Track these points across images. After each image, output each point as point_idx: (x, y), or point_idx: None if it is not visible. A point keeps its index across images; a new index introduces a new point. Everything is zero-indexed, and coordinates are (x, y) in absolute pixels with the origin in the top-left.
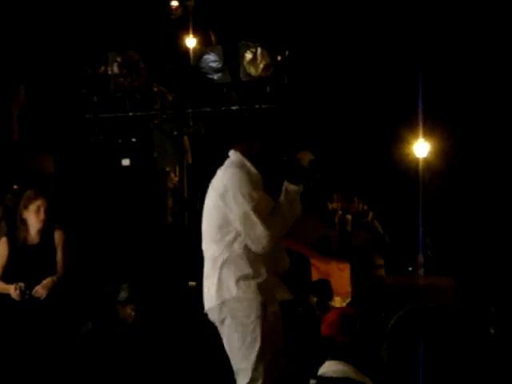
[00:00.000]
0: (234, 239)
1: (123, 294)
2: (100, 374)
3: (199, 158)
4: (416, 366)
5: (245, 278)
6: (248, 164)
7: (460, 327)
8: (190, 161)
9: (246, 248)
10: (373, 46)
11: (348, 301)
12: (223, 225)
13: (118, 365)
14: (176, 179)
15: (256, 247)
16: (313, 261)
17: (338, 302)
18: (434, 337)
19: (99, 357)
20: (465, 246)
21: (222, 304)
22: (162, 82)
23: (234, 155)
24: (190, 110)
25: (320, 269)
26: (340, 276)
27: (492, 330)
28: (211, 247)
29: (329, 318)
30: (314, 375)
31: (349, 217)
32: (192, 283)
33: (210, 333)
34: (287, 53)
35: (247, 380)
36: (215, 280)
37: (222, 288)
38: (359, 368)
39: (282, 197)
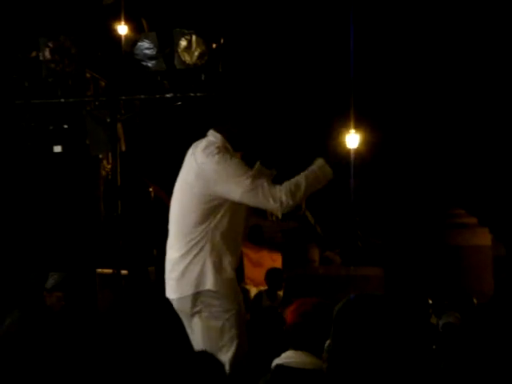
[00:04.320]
0: (215, 227)
1: (51, 282)
2: (27, 362)
3: (132, 145)
4: (361, 352)
5: (221, 269)
6: (229, 147)
7: (403, 316)
8: (123, 148)
9: (224, 237)
10: (307, 36)
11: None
12: (205, 211)
13: (46, 352)
14: (109, 167)
15: (282, 208)
16: (244, 250)
17: None
18: (381, 325)
19: (26, 344)
20: (394, 236)
21: (198, 294)
22: (95, 69)
23: (215, 137)
24: (123, 97)
25: (252, 258)
26: (272, 266)
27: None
28: (185, 231)
29: (301, 308)
30: (269, 365)
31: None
32: (124, 271)
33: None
34: (222, 41)
35: None
36: (188, 267)
37: (199, 277)
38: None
39: (315, 168)
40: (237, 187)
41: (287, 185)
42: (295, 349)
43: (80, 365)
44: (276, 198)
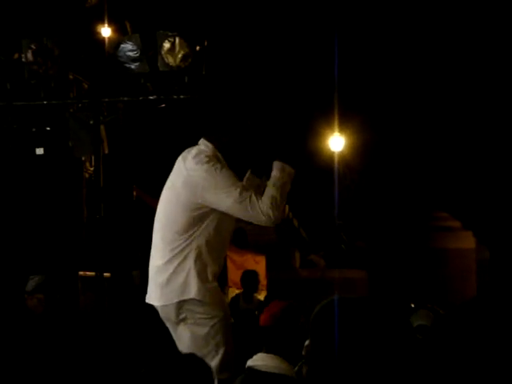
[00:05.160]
0: (201, 235)
1: (31, 284)
2: (8, 363)
3: (116, 147)
4: (338, 355)
5: (205, 277)
6: (220, 157)
7: (381, 319)
8: (106, 150)
9: (210, 245)
10: (290, 37)
11: (263, 293)
12: (191, 219)
13: (27, 354)
14: (91, 169)
15: (266, 221)
16: (228, 253)
17: None
18: (358, 327)
19: (7, 346)
20: (378, 239)
21: (182, 303)
22: (78, 71)
23: (206, 146)
24: (106, 99)
25: (235, 261)
26: (256, 268)
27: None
28: (169, 238)
29: (272, 309)
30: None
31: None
32: (107, 274)
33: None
34: (206, 43)
35: None
36: (173, 275)
37: (183, 286)
38: (291, 362)
39: (278, 174)
40: (226, 198)
41: (265, 199)
42: (267, 351)
43: (62, 367)
44: (264, 212)
